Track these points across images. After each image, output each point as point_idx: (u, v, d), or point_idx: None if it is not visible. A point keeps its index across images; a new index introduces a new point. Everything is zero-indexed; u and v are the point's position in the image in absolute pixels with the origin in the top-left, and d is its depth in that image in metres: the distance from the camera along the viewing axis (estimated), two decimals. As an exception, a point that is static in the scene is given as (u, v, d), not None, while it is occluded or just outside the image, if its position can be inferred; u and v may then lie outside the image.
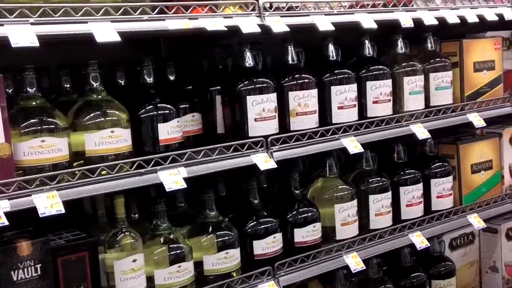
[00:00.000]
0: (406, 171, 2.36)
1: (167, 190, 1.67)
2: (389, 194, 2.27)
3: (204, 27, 1.75)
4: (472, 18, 2.38)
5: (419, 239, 2.31)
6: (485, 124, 2.49)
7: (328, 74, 2.13)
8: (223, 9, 1.85)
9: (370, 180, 2.26)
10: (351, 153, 2.08)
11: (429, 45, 2.42)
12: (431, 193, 2.43)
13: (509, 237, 2.70)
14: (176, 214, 1.88)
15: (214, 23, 1.77)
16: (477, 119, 2.49)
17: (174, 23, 1.72)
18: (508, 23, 2.56)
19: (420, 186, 2.37)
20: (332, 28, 1.98)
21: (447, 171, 2.46)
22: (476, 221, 2.51)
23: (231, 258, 1.85)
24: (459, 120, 2.48)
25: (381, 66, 2.23)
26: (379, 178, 2.27)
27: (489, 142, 2.64)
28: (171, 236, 1.76)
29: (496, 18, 2.46)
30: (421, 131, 2.30)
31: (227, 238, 1.85)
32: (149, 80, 1.81)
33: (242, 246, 1.91)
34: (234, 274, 1.87)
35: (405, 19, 2.17)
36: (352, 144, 2.11)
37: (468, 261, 2.68)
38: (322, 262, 2.05)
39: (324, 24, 1.98)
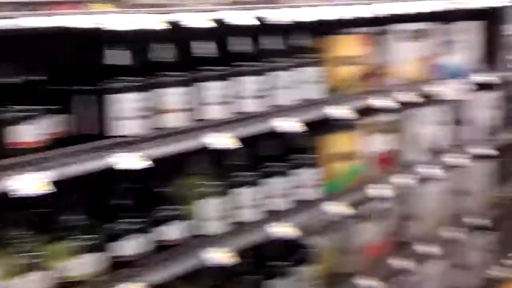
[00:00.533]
0: (273, 164, 2.43)
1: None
2: (258, 187, 2.34)
3: (66, 25, 1.69)
4: (335, 15, 2.48)
5: (287, 229, 2.40)
6: (349, 116, 2.61)
7: (199, 71, 2.13)
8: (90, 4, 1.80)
9: (238, 174, 2.31)
10: (221, 149, 2.12)
11: (297, 41, 2.48)
12: (298, 184, 2.52)
13: (370, 220, 2.87)
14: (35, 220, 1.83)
15: (79, 20, 1.71)
16: (341, 111, 2.60)
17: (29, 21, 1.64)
18: (368, 19, 2.70)
19: (287, 178, 2.45)
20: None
21: (313, 163, 2.56)
22: (340, 208, 2.65)
23: (93, 262, 1.84)
24: (326, 114, 2.58)
25: (251, 63, 2.28)
26: (247, 172, 2.32)
27: (352, 133, 2.78)
28: (24, 245, 1.71)
29: (358, 15, 2.58)
30: (290, 125, 2.37)
31: (88, 242, 1.83)
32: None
33: (105, 248, 1.90)
34: (98, 278, 1.86)
35: (272, 16, 2.23)
36: (223, 140, 2.14)
37: (333, 246, 2.81)
38: (190, 259, 2.10)
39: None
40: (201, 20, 2.01)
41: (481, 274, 3.63)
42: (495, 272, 3.77)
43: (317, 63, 2.52)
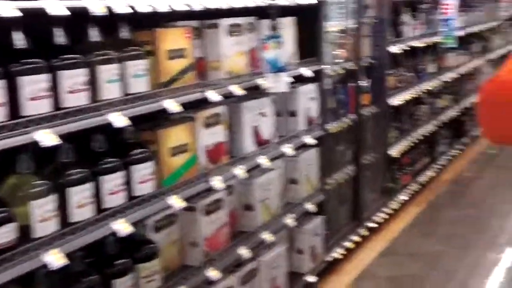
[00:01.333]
0: (107, 160, 2.37)
1: None
2: (89, 185, 2.25)
3: None
4: (163, 7, 2.47)
5: (122, 226, 2.35)
6: (180, 110, 2.62)
7: (16, 64, 2.01)
8: None
9: (69, 172, 2.21)
10: (46, 146, 2.01)
11: (123, 33, 2.45)
12: (133, 179, 2.49)
13: (207, 213, 2.91)
14: None
15: None
16: (172, 105, 2.60)
17: None
18: (196, 13, 2.72)
19: (121, 174, 2.40)
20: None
21: (147, 157, 2.53)
22: (176, 202, 2.65)
23: None
24: (156, 107, 2.56)
25: (75, 55, 2.19)
26: (79, 170, 2.23)
27: (185, 126, 2.79)
28: None
29: (187, 8, 2.60)
30: (120, 119, 2.32)
31: None
32: None
33: None
34: None
35: (95, 7, 2.16)
36: (47, 137, 2.04)
37: (171, 240, 2.82)
38: (19, 264, 1.96)
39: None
40: (9, 9, 1.89)
41: (316, 257, 3.83)
42: (329, 255, 4.01)
43: (144, 56, 2.49)
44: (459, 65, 6.70)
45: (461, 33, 6.49)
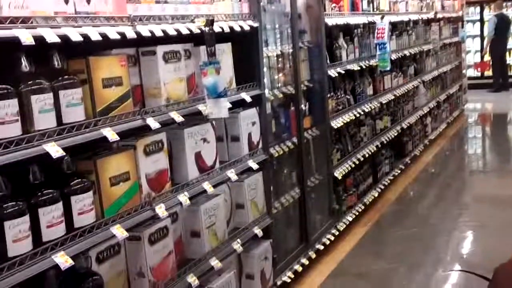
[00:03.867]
0: (44, 192, 2.30)
1: None
2: (26, 218, 2.18)
3: None
4: (95, 36, 2.45)
5: (63, 259, 2.28)
6: (118, 138, 2.59)
7: None
8: None
9: (3, 206, 2.14)
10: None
11: (56, 62, 2.41)
12: (72, 210, 2.42)
13: (152, 242, 2.86)
14: None
15: None
16: (111, 134, 2.56)
17: None
18: (131, 41, 2.71)
19: (59, 205, 2.33)
20: None
21: (86, 187, 2.48)
22: (119, 231, 2.59)
23: None
24: (94, 136, 2.52)
25: (5, 86, 2.14)
26: (14, 203, 2.16)
27: (125, 154, 2.75)
28: None
29: (119, 37, 2.58)
30: (55, 150, 2.27)
31: None
32: None
33: None
34: None
35: (25, 36, 2.12)
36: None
37: (116, 271, 2.74)
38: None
39: None
40: None
41: (266, 281, 3.80)
42: (279, 278, 3.99)
43: (79, 84, 2.45)
44: (395, 87, 6.89)
45: (395, 56, 6.70)
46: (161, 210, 2.87)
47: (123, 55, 2.74)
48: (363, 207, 5.69)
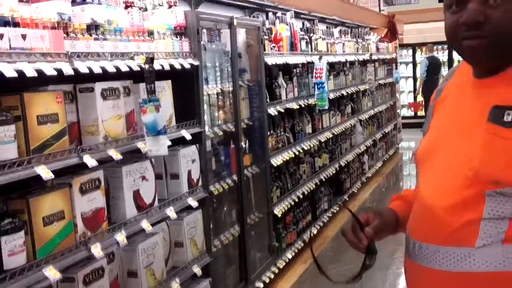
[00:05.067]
0: (-28, 232, 2.21)
1: None
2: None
3: None
4: (30, 72, 2.39)
5: (-10, 303, 2.18)
6: (53, 176, 2.52)
7: None
8: None
9: None
10: None
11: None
12: (1, 251, 2.32)
13: (86, 283, 2.77)
14: None
15: None
16: (45, 172, 2.49)
17: None
18: (68, 77, 2.67)
19: (-11, 246, 2.24)
20: None
21: (18, 227, 2.38)
22: (51, 273, 2.49)
23: None
24: (27, 174, 2.44)
25: None
26: None
27: (60, 192, 2.68)
28: None
29: (55, 73, 2.54)
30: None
31: None
32: None
33: None
34: None
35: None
36: None
37: (48, 315, 2.64)
38: None
39: None
40: None
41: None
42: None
43: (12, 121, 2.38)
44: (334, 125, 7.03)
45: (333, 95, 6.85)
46: (97, 250, 2.79)
47: (59, 92, 2.69)
48: (302, 244, 5.71)
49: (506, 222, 1.42)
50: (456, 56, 14.69)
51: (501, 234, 1.42)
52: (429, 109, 1.73)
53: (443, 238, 1.50)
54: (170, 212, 3.42)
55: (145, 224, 3.17)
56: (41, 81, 2.60)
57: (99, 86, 2.92)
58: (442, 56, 14.69)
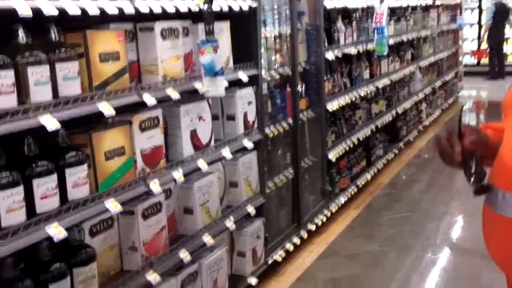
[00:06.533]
0: (38, 163, 2.31)
1: None
2: (20, 188, 2.20)
3: None
4: (93, 10, 2.45)
5: (56, 231, 2.30)
6: (114, 113, 2.60)
7: None
8: None
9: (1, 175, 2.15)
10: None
11: (53, 35, 2.41)
12: (66, 183, 2.44)
13: (145, 216, 2.88)
14: None
15: None
16: (107, 108, 2.57)
17: None
18: (129, 16, 2.71)
19: (54, 177, 2.35)
20: None
21: (81, 160, 2.49)
22: (113, 205, 2.61)
23: None
24: (90, 110, 2.53)
25: (2, 56, 2.14)
26: (8, 173, 2.17)
27: (120, 129, 2.76)
28: None
29: (117, 12, 2.58)
30: (50, 122, 2.28)
31: None
32: None
33: None
34: None
35: (23, 8, 2.12)
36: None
37: (109, 244, 2.78)
38: None
39: None
40: None
41: (257, 260, 3.84)
42: (270, 257, 4.03)
43: (75, 58, 2.45)
44: (392, 72, 6.90)
45: (392, 41, 6.70)
46: (155, 186, 2.89)
47: (121, 30, 2.74)
48: (356, 190, 5.73)
49: None
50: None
51: None
52: None
53: None
54: (226, 152, 3.48)
55: (201, 163, 3.25)
56: (104, 20, 2.66)
57: (159, 26, 2.95)
58: (510, 2, 14.01)
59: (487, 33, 13.38)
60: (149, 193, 2.92)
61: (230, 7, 3.42)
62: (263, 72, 3.96)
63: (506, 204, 1.46)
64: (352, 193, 5.64)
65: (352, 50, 5.52)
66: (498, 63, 13.54)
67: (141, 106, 2.87)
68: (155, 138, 2.96)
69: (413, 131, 7.97)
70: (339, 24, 5.35)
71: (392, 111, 6.92)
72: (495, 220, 1.51)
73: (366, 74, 6.09)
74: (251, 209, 3.78)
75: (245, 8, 3.60)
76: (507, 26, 13.54)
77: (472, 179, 1.56)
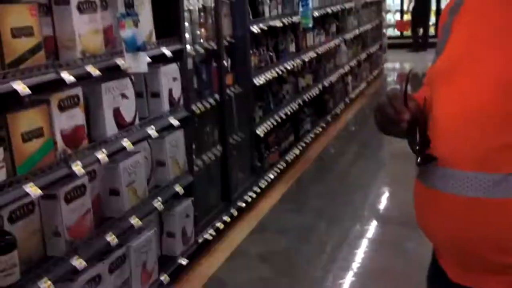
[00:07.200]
0: None
1: None
2: None
3: None
4: (2, -19, 2.28)
5: (-29, 219, 2.16)
6: (30, 92, 2.45)
7: None
8: None
9: None
10: None
11: (-42, 9, 2.23)
12: (-20, 168, 2.29)
13: (68, 200, 2.76)
14: None
15: None
16: (21, 87, 2.42)
17: None
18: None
19: (-35, 162, 2.20)
20: None
21: (-4, 143, 2.34)
22: (32, 190, 2.47)
23: None
24: (3, 89, 2.37)
25: None
26: None
27: (38, 109, 2.61)
28: None
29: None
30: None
31: None
32: None
33: None
34: None
35: None
36: None
37: (31, 231, 2.64)
38: None
39: None
40: None
41: (187, 240, 3.78)
42: (200, 236, 3.98)
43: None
44: (318, 45, 6.93)
45: (317, 13, 6.71)
46: (77, 167, 2.76)
47: (34, 4, 2.57)
48: (285, 165, 5.75)
49: None
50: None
51: None
52: (445, 27, 1.62)
53: (473, 162, 1.40)
54: (151, 130, 3.38)
55: (126, 143, 3.13)
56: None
57: (75, -1, 2.80)
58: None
59: (412, 4, 13.63)
60: (72, 176, 2.79)
61: (152, -20, 3.30)
62: (188, 46, 3.86)
63: (448, 180, 1.44)
64: (281, 168, 5.65)
65: (278, 23, 5.48)
66: (423, 34, 13.82)
67: (59, 84, 2.72)
68: (75, 117, 2.83)
69: (340, 104, 8.08)
70: (264, -4, 5.29)
71: (318, 84, 6.97)
72: (432, 196, 1.49)
73: (292, 48, 6.08)
74: (179, 189, 3.70)
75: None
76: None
77: (417, 148, 1.52)
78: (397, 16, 14.80)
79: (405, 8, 14.49)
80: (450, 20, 1.61)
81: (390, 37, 13.48)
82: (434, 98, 1.55)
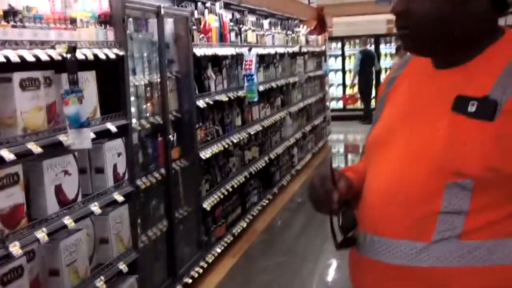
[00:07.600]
0: None
1: None
2: None
3: None
4: None
5: None
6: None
7: None
8: None
9: None
10: None
11: None
12: None
13: (4, 283, 2.63)
14: None
15: None
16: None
17: None
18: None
19: None
20: None
21: None
22: (-35, 274, 2.36)
23: None
24: None
25: None
26: None
27: None
28: None
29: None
30: None
31: None
32: None
33: None
34: None
35: None
36: None
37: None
38: None
39: None
40: None
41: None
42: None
43: None
44: (263, 118, 7.03)
45: (262, 87, 6.85)
46: (15, 248, 2.65)
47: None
48: (232, 238, 5.68)
49: (463, 217, 1.37)
50: (382, 50, 15.03)
51: (458, 229, 1.37)
52: (382, 97, 1.68)
53: (398, 231, 1.43)
54: (95, 207, 3.30)
55: (68, 220, 3.04)
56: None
57: (17, 76, 2.77)
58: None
59: (357, 78, 14.06)
60: (9, 257, 2.67)
61: (96, 56, 3.30)
62: (133, 121, 3.85)
63: (373, 247, 1.47)
64: (229, 241, 5.58)
65: (223, 97, 5.55)
66: (365, 107, 14.19)
67: (-2, 162, 2.65)
68: (14, 196, 2.74)
69: (286, 176, 8.14)
70: (210, 71, 5.37)
71: (265, 157, 7.02)
72: (362, 263, 1.53)
73: (238, 121, 6.14)
74: (123, 266, 3.59)
75: (112, 56, 3.49)
76: (374, 72, 14.28)
77: (340, 229, 1.54)
78: (340, 90, 15.24)
79: (347, 82, 14.92)
80: (387, 90, 1.68)
81: (333, 110, 13.82)
82: (367, 168, 1.60)
